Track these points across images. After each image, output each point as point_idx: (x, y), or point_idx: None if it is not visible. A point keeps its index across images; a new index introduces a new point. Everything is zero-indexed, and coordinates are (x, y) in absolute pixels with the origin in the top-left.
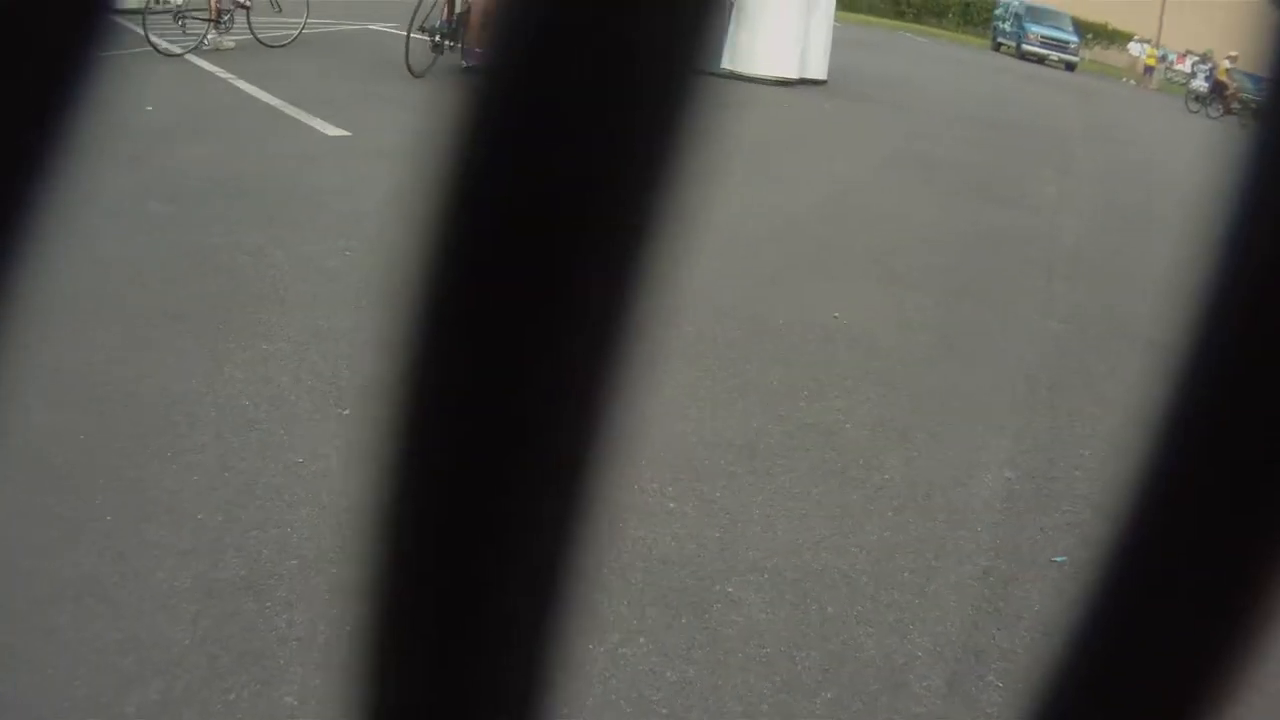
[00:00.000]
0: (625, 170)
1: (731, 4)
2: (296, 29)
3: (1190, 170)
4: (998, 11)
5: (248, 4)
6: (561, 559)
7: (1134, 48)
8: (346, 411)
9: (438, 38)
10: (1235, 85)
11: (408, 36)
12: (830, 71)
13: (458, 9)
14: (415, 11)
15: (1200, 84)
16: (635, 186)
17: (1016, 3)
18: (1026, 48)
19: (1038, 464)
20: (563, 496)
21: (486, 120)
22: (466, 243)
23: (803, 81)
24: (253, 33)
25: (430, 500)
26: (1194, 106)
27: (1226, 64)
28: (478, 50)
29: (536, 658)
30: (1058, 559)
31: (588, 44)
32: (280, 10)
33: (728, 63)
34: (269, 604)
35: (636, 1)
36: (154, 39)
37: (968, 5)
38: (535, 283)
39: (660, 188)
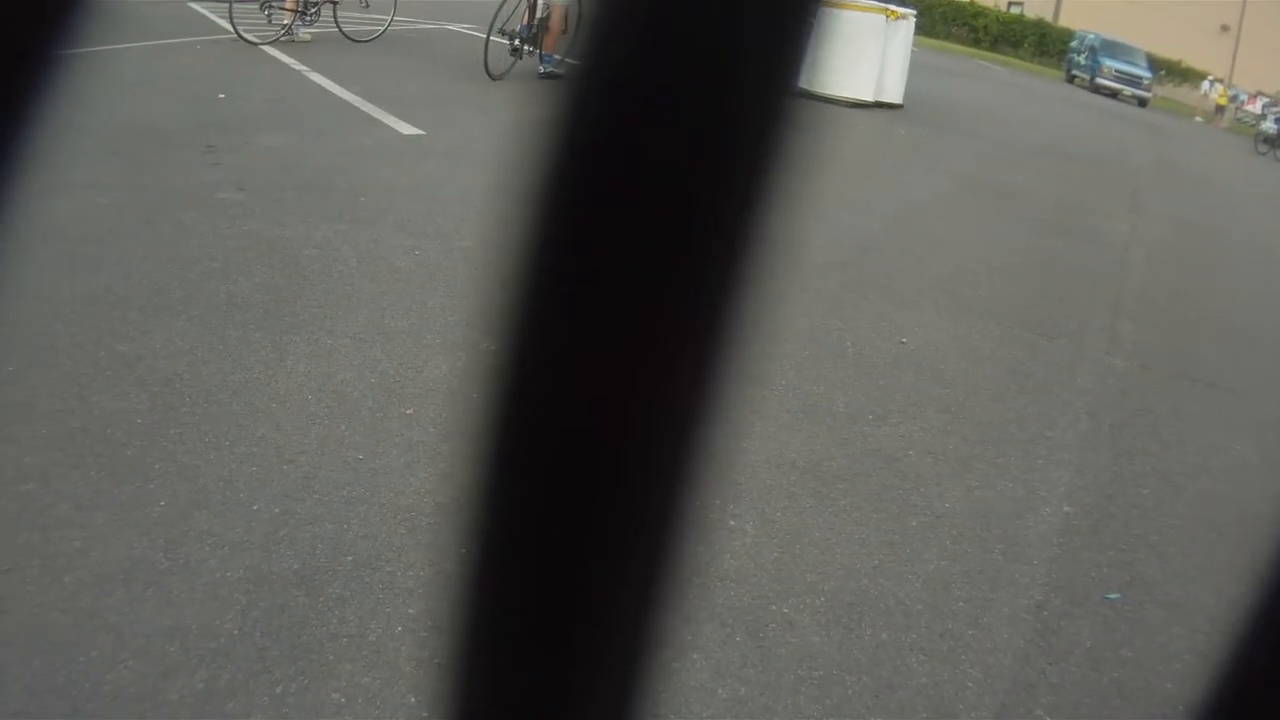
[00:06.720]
0: (720, 184)
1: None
2: (381, 26)
3: (1255, 214)
4: (1073, 44)
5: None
6: (657, 567)
7: (1205, 86)
8: (409, 411)
9: (517, 41)
10: None
11: (487, 39)
12: (906, 95)
13: (538, 14)
14: (495, 14)
15: (1270, 126)
16: (730, 199)
17: (1092, 36)
18: (1100, 81)
19: (1096, 500)
20: (656, 506)
21: (584, 128)
22: (566, 248)
23: (878, 104)
24: (339, 27)
25: (525, 501)
26: (1262, 149)
27: None
28: (556, 56)
29: (629, 667)
30: (1111, 596)
31: (683, 56)
32: (368, 6)
33: (803, 82)
34: (321, 599)
35: (729, 18)
36: (238, 27)
37: (1043, 36)
38: (635, 288)
39: (753, 202)
